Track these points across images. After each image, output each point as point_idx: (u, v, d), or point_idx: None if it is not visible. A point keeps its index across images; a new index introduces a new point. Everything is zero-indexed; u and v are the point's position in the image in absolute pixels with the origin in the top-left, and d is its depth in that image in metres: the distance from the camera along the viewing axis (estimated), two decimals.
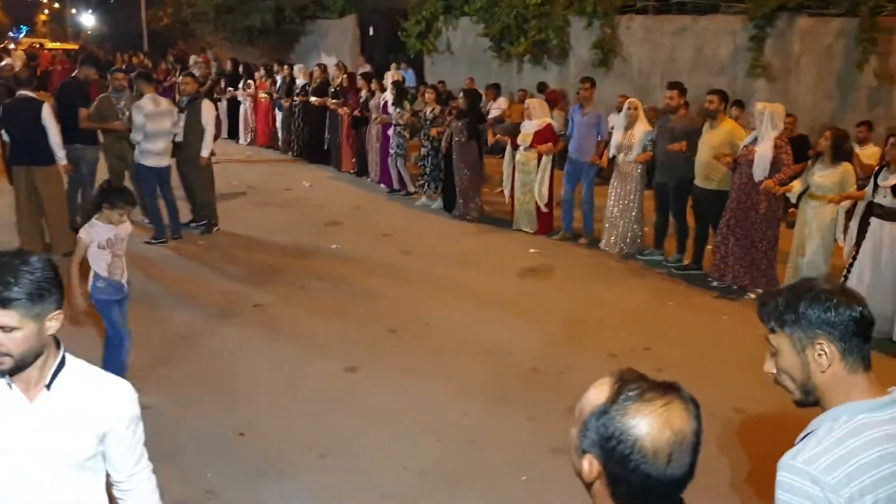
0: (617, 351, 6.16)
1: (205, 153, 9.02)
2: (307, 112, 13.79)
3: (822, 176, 6.81)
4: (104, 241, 4.89)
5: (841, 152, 6.84)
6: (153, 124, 8.34)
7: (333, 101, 12.93)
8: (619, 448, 1.35)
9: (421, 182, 11.04)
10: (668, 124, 8.26)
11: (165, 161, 8.68)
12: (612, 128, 9.78)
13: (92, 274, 4.95)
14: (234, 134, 15.63)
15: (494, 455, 4.65)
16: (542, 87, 14.12)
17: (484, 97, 12.88)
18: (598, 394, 1.41)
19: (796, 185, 6.99)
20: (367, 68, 15.90)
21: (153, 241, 8.69)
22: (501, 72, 15.83)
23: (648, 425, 1.34)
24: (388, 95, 11.57)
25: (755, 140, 7.24)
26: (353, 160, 12.95)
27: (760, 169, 7.11)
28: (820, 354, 1.76)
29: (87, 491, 2.11)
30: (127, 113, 8.67)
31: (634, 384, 1.39)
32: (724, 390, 5.45)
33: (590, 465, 1.40)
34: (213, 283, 7.67)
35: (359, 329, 6.52)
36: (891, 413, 1.73)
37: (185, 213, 9.28)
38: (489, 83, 14.96)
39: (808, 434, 1.77)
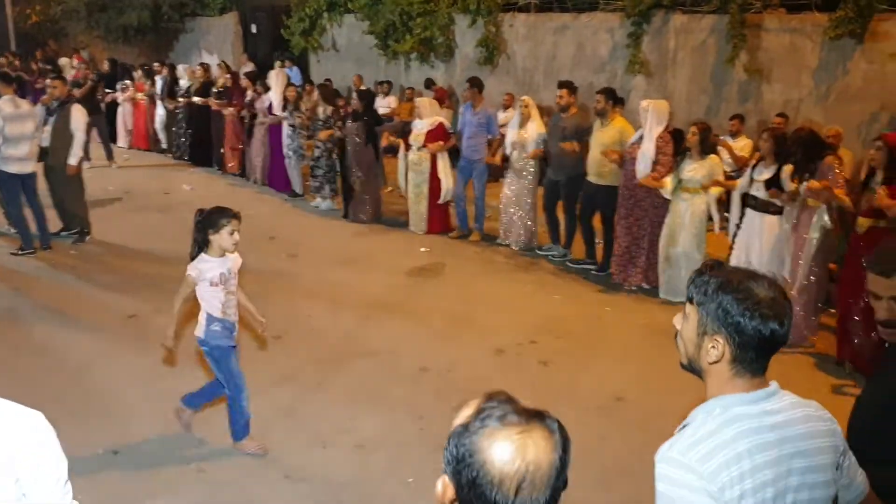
0: (504, 346, 6.20)
1: (73, 161, 8.42)
2: (191, 113, 13.31)
3: (692, 169, 7.03)
4: (216, 278, 4.36)
5: (707, 146, 7.10)
6: (13, 127, 7.78)
7: (217, 101, 12.53)
8: (467, 471, 1.27)
9: (315, 184, 10.81)
10: (559, 123, 8.34)
11: (30, 167, 8.09)
12: (501, 126, 9.86)
13: (204, 316, 4.42)
14: (111, 137, 14.90)
15: (381, 458, 4.59)
16: (429, 84, 14.15)
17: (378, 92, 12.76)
18: (463, 413, 1.35)
19: (668, 182, 7.17)
20: (251, 67, 15.50)
21: (20, 252, 8.19)
22: (389, 70, 15.73)
23: (500, 451, 1.25)
24: (274, 96, 11.28)
25: (641, 138, 7.39)
26: (238, 162, 12.59)
27: (642, 166, 7.27)
28: (713, 347, 1.77)
29: None
30: None
31: (498, 407, 1.31)
32: (606, 380, 5.58)
33: (443, 486, 1.32)
34: (86, 294, 7.27)
35: (239, 337, 6.28)
36: (762, 407, 1.75)
37: (55, 222, 8.79)
38: (378, 81, 14.87)
39: (684, 426, 1.79)
